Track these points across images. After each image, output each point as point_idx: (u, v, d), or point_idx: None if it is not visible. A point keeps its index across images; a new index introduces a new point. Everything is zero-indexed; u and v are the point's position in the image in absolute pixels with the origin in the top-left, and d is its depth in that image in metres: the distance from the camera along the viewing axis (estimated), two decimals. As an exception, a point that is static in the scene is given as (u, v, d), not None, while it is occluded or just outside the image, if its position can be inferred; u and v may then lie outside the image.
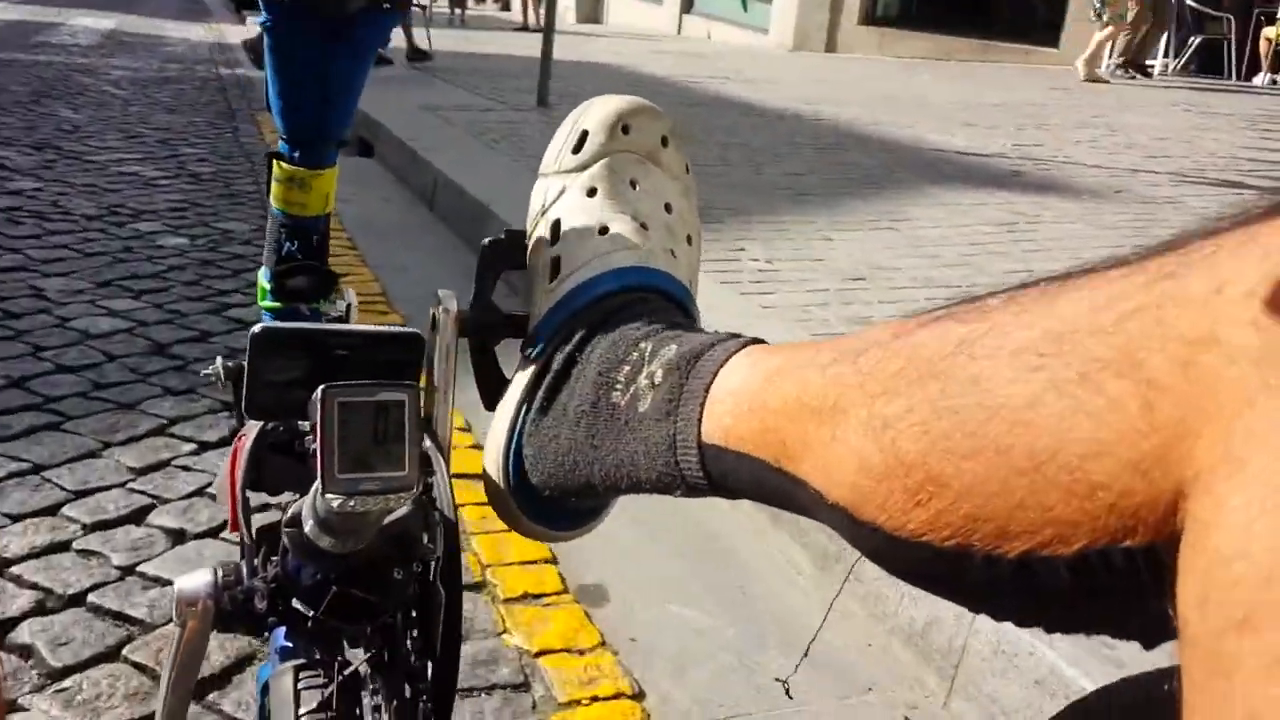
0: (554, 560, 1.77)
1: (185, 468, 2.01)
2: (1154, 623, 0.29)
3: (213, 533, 1.78)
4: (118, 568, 1.69)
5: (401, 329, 0.57)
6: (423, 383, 0.60)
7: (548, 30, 6.11)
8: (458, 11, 17.66)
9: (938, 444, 0.33)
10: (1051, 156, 5.34)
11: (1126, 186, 4.62)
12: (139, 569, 1.68)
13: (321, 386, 0.49)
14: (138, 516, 1.82)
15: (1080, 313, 0.31)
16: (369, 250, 3.57)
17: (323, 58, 0.71)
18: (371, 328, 0.58)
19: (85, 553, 1.71)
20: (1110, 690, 0.37)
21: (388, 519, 0.51)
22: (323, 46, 0.70)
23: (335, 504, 0.48)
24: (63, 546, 1.73)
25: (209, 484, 1.93)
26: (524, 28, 14.50)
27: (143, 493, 1.91)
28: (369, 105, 5.78)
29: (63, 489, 1.89)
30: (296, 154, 0.76)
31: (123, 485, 1.94)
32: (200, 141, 5.21)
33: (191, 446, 2.08)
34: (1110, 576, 0.30)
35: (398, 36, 8.11)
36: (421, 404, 0.54)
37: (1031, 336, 0.32)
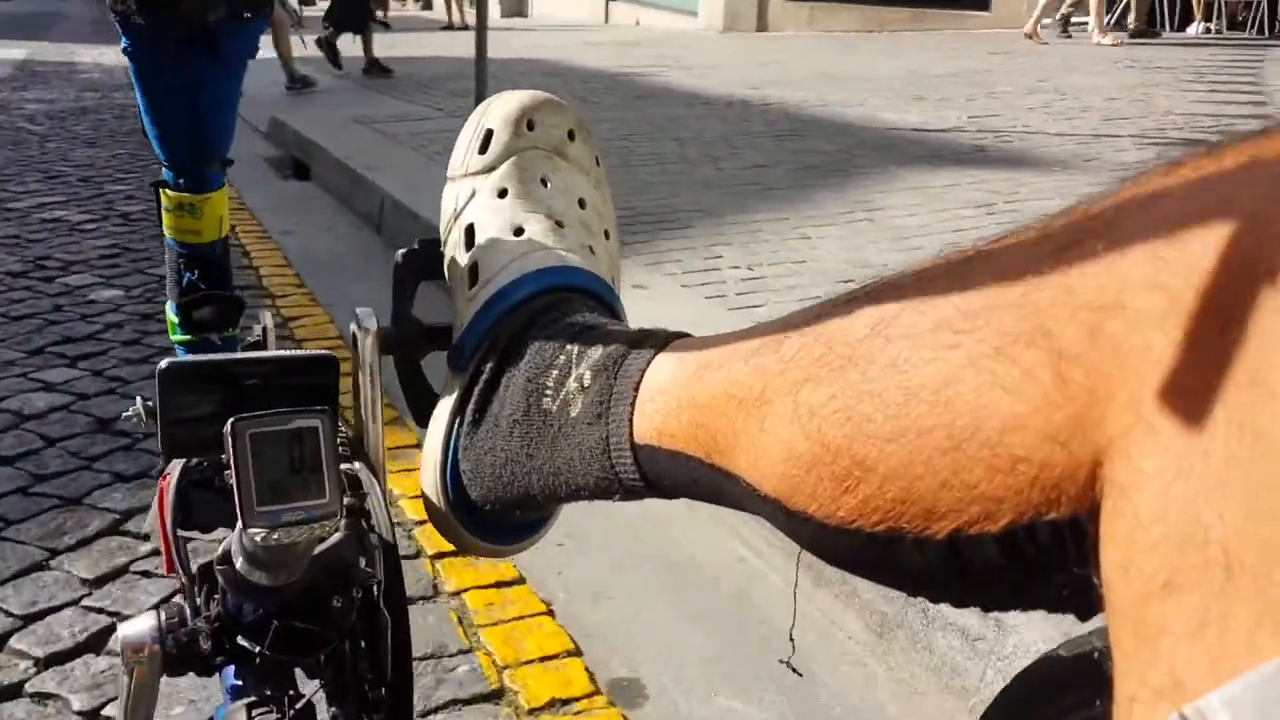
0: (578, 652, 1.57)
1: (145, 573, 1.78)
2: (1086, 594, 0.28)
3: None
4: (79, 714, 1.44)
5: (313, 352, 0.56)
6: (348, 404, 0.59)
7: (480, 29, 5.85)
8: (379, 14, 17.26)
9: (861, 429, 0.33)
10: (1010, 127, 5.22)
11: (1094, 154, 4.50)
12: (104, 714, 1.44)
13: (231, 420, 0.48)
14: (96, 643, 1.61)
15: (991, 286, 0.31)
16: (318, 286, 3.33)
17: (188, 75, 0.69)
18: (281, 353, 0.57)
19: (40, 696, 1.47)
20: (1055, 657, 0.38)
21: (319, 548, 0.50)
22: (187, 64, 0.68)
23: (258, 538, 0.47)
24: (13, 691, 1.48)
25: (175, 592, 1.69)
26: (449, 26, 14.19)
27: (100, 610, 1.68)
28: (300, 123, 5.51)
29: (8, 613, 1.65)
30: (181, 180, 0.74)
31: (76, 603, 1.70)
32: (125, 177, 4.95)
33: (149, 546, 1.84)
34: (1039, 550, 0.30)
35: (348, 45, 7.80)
36: (343, 427, 0.56)
37: (945, 314, 0.32)
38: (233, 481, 0.48)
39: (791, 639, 1.50)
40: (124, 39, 0.68)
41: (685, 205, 3.64)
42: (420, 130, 5.34)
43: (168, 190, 0.76)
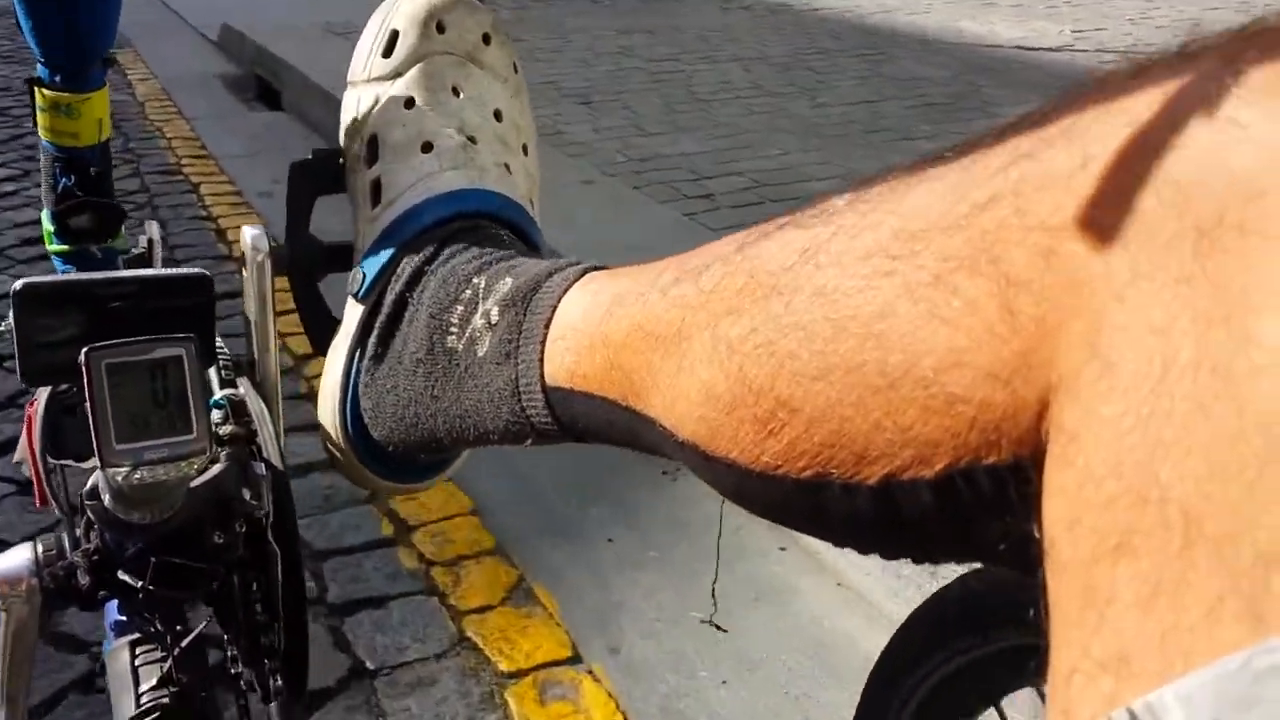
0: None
1: None
2: (1026, 547, 0.25)
3: None
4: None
5: (184, 270, 0.52)
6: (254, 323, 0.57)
7: None
8: None
9: (785, 366, 0.30)
10: (1128, 46, 4.27)
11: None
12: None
13: (85, 350, 0.45)
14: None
15: (932, 206, 0.28)
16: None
17: None
18: (149, 272, 0.53)
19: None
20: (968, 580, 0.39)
21: (198, 480, 0.48)
22: None
23: (119, 478, 0.45)
24: None
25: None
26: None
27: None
28: (262, 35, 4.36)
29: None
30: (57, 77, 0.67)
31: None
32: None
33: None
34: (976, 498, 0.27)
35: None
36: (227, 353, 0.55)
37: (879, 238, 0.29)
38: (90, 416, 0.44)
39: (714, 594, 1.41)
40: None
41: (811, 165, 2.69)
42: None
43: (43, 88, 0.67)
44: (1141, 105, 0.24)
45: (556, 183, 2.60)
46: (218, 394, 0.55)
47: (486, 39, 0.55)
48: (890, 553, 0.32)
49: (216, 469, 0.49)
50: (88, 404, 0.44)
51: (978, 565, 0.57)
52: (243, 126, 3.61)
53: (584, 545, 1.52)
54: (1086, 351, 0.23)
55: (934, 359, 0.27)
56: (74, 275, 0.55)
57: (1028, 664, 0.56)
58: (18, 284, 0.49)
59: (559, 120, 3.24)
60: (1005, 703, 0.63)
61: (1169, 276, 0.22)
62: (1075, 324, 0.23)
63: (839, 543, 0.34)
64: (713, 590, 1.43)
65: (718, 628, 1.37)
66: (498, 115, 0.54)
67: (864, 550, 0.33)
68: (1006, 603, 0.55)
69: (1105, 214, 0.23)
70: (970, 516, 0.28)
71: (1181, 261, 0.21)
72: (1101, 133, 0.24)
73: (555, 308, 0.42)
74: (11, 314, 0.50)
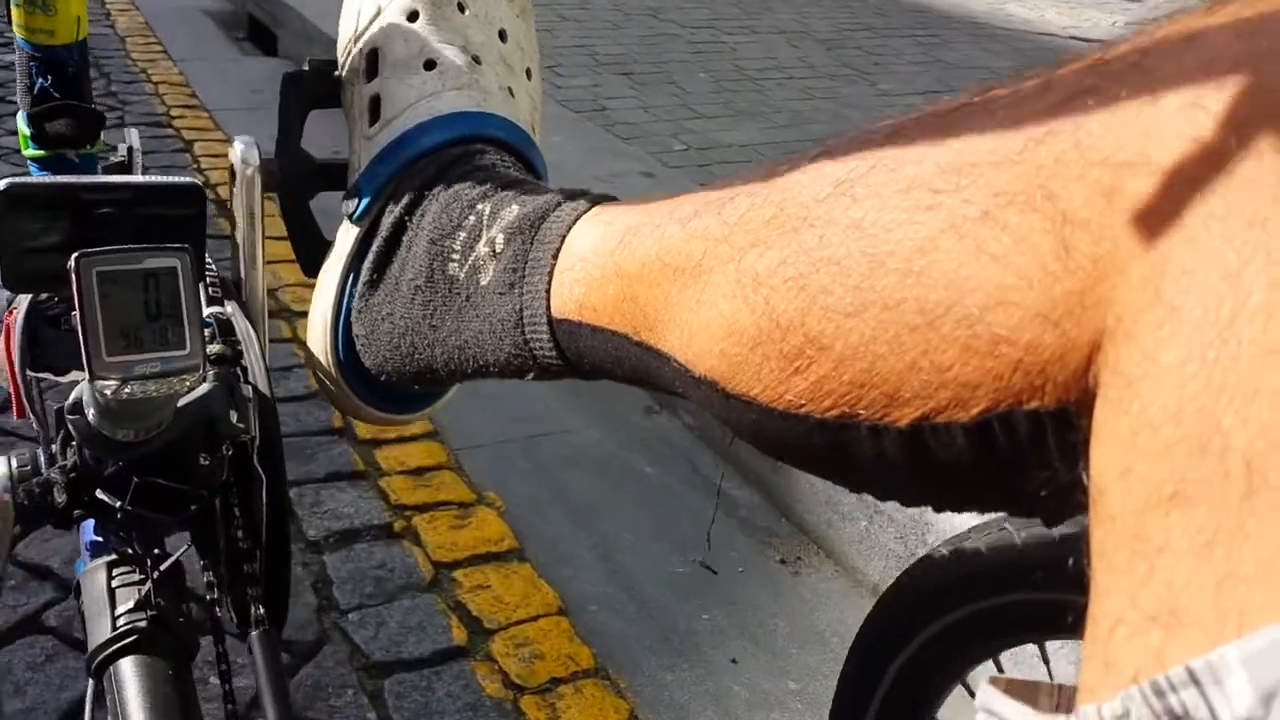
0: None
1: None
2: (1058, 496, 0.26)
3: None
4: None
5: (175, 179, 0.50)
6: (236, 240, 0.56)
7: None
8: None
9: (817, 301, 0.29)
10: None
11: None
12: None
13: (75, 255, 0.43)
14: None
15: (982, 141, 0.26)
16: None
17: None
18: (139, 179, 0.53)
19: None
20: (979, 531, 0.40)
21: (184, 400, 0.46)
22: None
23: (108, 392, 0.43)
24: None
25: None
26: None
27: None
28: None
29: None
30: None
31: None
32: None
33: None
34: (1013, 444, 0.26)
35: None
36: (213, 270, 0.54)
37: (923, 171, 0.27)
38: (79, 325, 0.43)
39: (709, 538, 1.38)
40: None
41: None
42: None
43: None
44: (1216, 43, 0.23)
45: (611, 173, 2.28)
46: (205, 312, 0.53)
47: None
48: (912, 499, 0.31)
49: (204, 389, 0.48)
50: (76, 313, 0.43)
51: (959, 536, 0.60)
52: (237, 74, 3.24)
53: (704, 667, 1.25)
54: (1149, 294, 0.22)
55: (979, 297, 0.25)
56: (62, 178, 0.53)
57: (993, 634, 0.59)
58: (1, 184, 0.47)
59: (600, 93, 2.96)
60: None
61: (1243, 219, 0.20)
62: (1137, 266, 0.22)
63: (857, 487, 0.33)
64: (708, 535, 1.36)
65: (710, 569, 1.36)
66: (503, 36, 0.52)
67: (883, 496, 0.32)
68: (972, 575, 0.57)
69: (1175, 151, 0.22)
70: (1006, 463, 0.27)
71: (1259, 204, 0.20)
72: (1173, 69, 0.23)
73: (564, 237, 0.41)
74: None
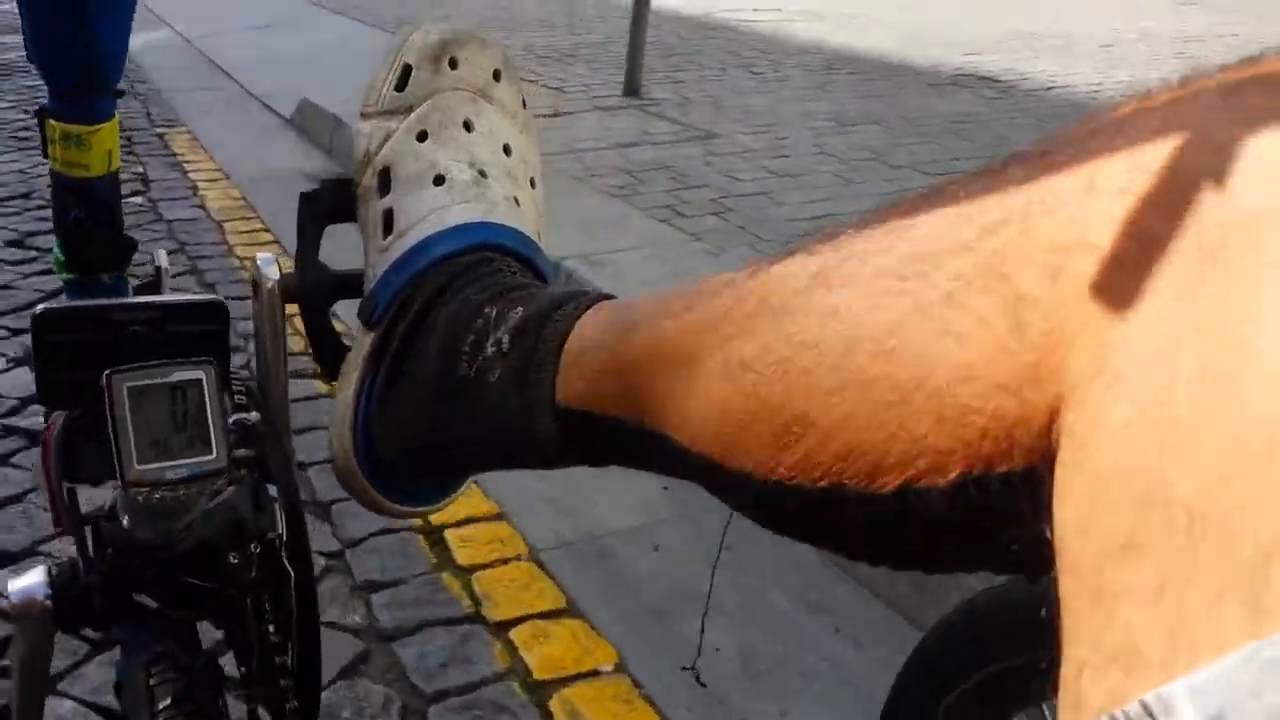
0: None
1: None
2: (1036, 552, 0.27)
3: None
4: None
5: (200, 296, 0.56)
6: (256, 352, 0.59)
7: None
8: None
9: (799, 382, 0.32)
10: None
11: None
12: None
13: (107, 372, 0.48)
14: None
15: (942, 230, 0.29)
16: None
17: None
18: (165, 298, 0.57)
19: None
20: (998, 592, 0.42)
21: (210, 503, 0.50)
22: None
23: (139, 498, 0.47)
24: None
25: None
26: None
27: None
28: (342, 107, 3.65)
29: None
30: (68, 108, 0.68)
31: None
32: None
33: None
34: (989, 504, 0.29)
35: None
36: (239, 379, 0.57)
37: (890, 261, 0.30)
38: (111, 437, 0.47)
39: (702, 631, 1.36)
40: None
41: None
42: (548, 130, 3.56)
43: (53, 120, 0.69)
44: (1146, 133, 0.26)
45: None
46: (230, 419, 0.55)
47: (497, 75, 0.56)
48: (900, 562, 0.33)
49: (230, 491, 0.50)
50: (109, 425, 0.46)
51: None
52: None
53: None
54: (1095, 363, 0.24)
55: (946, 373, 0.28)
56: (92, 301, 0.56)
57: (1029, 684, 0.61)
58: (37, 308, 0.51)
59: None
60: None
61: (1173, 293, 0.23)
62: (1083, 338, 0.25)
63: (852, 555, 0.35)
64: (701, 627, 1.35)
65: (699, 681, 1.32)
66: (506, 150, 0.56)
67: (876, 561, 0.34)
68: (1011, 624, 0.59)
69: (1110, 235, 0.25)
70: (983, 522, 0.29)
71: (1186, 279, 0.23)
72: (1107, 159, 0.26)
73: (567, 334, 0.43)
74: (30, 338, 0.51)
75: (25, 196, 3.20)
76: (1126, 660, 0.21)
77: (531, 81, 4.55)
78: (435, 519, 1.64)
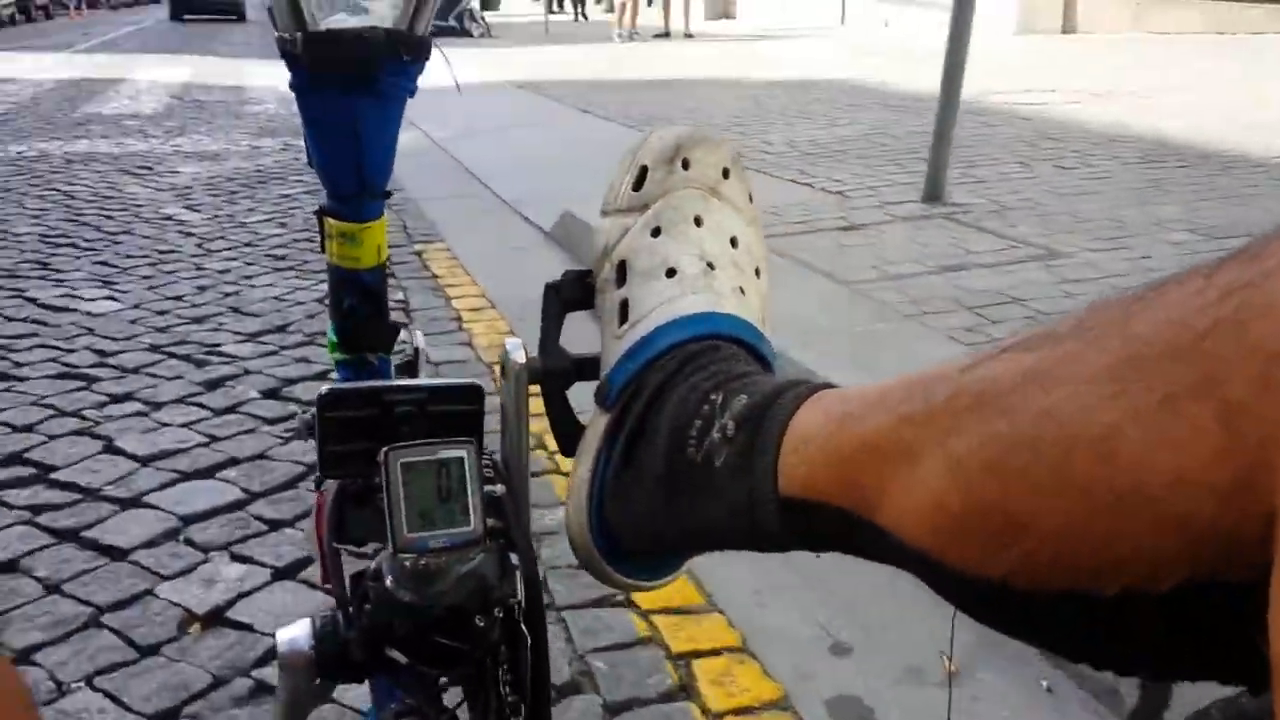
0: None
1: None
2: (1257, 665, 0.26)
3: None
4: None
5: (460, 381, 0.61)
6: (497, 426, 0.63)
7: (953, 66, 3.46)
8: (582, 18, 15.56)
9: (1016, 482, 0.32)
10: None
11: None
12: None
13: (384, 449, 0.53)
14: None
15: (1156, 333, 0.29)
16: None
17: (351, 111, 0.72)
18: (431, 381, 0.62)
19: None
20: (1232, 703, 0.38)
21: (464, 569, 0.53)
22: (349, 101, 0.71)
23: (407, 564, 0.52)
24: None
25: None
26: (665, 34, 12.07)
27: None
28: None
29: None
30: (343, 209, 0.76)
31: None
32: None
33: None
34: (1209, 614, 0.28)
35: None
36: (487, 454, 0.61)
37: (1106, 363, 0.30)
38: (385, 507, 0.52)
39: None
40: (290, 73, 0.71)
41: None
42: (842, 246, 3.14)
43: (330, 219, 0.76)
44: None
45: None
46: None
47: (726, 173, 0.59)
48: (1122, 668, 0.33)
49: (480, 558, 0.53)
50: (384, 496, 0.52)
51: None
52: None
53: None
54: None
55: (1162, 478, 0.28)
56: (370, 384, 0.64)
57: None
58: (323, 389, 0.58)
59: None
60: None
61: None
62: None
63: (1074, 657, 0.34)
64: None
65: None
66: (734, 242, 0.58)
67: (1098, 665, 0.33)
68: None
69: None
70: (1203, 631, 0.29)
71: None
72: None
73: (788, 423, 0.44)
74: (315, 416, 0.58)
75: (281, 330, 2.93)
76: None
77: (806, 184, 4.07)
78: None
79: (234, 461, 2.11)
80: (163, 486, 2.02)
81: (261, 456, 2.13)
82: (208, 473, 2.07)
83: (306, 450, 2.13)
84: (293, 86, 0.72)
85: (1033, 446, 0.31)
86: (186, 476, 2.05)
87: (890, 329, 2.45)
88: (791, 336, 2.31)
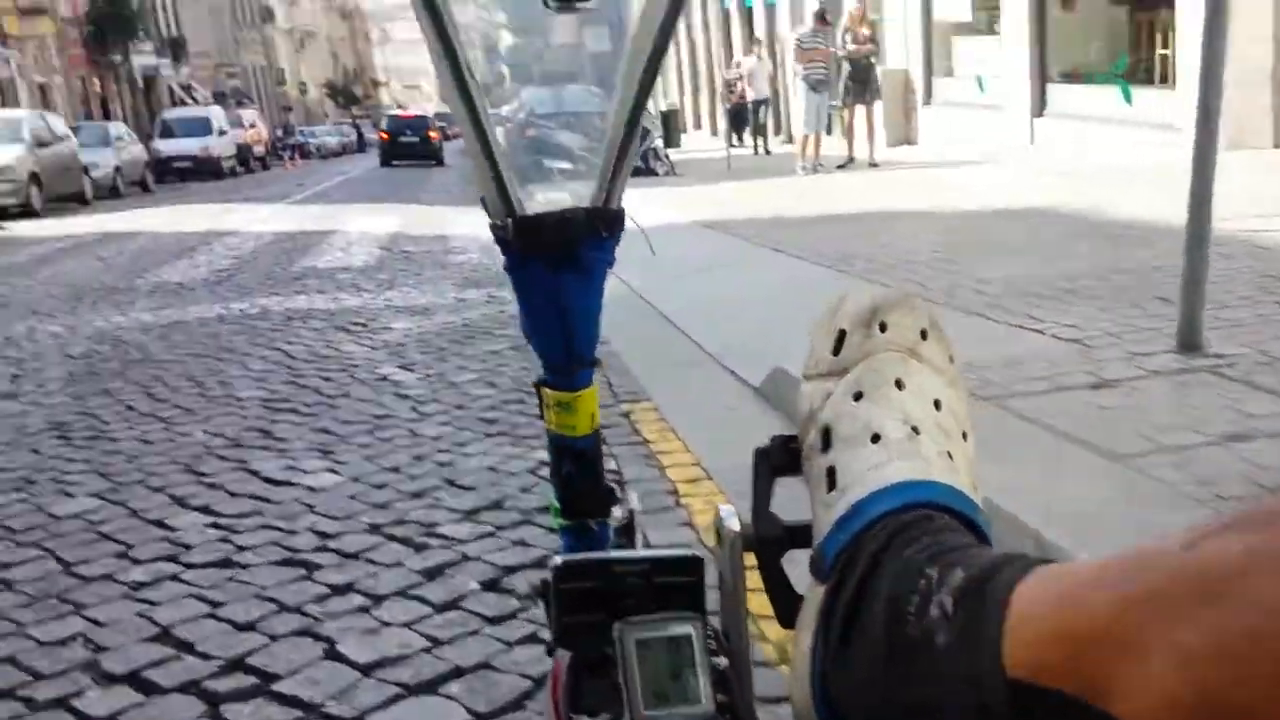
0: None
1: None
2: None
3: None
4: None
5: (681, 553, 0.62)
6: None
7: (1200, 196, 3.18)
8: (762, 151, 15.74)
9: (1246, 674, 0.31)
10: None
11: None
12: None
13: (618, 624, 0.56)
14: None
15: None
16: None
17: (557, 288, 0.77)
18: (655, 553, 0.63)
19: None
20: None
21: None
22: (555, 278, 0.77)
23: None
24: None
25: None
26: (849, 162, 11.99)
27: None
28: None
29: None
30: (557, 379, 0.81)
31: None
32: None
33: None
34: None
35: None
36: (710, 627, 0.61)
37: None
38: (621, 682, 0.54)
39: None
40: (503, 256, 0.78)
41: None
42: (1088, 406, 2.85)
43: (546, 389, 0.81)
44: None
45: None
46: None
47: (924, 334, 0.59)
48: None
49: None
50: (620, 672, 0.54)
51: None
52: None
53: None
54: None
55: None
56: (599, 555, 0.67)
57: None
58: (556, 560, 0.61)
59: None
60: None
61: None
62: None
63: None
64: None
65: None
66: (937, 405, 0.57)
67: None
68: None
69: None
70: None
71: None
72: None
73: (1008, 601, 0.43)
74: (552, 586, 0.60)
75: (497, 506, 2.82)
76: None
77: (1036, 330, 3.79)
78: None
79: (458, 673, 1.96)
80: (385, 704, 1.88)
81: (486, 666, 1.98)
82: (429, 686, 1.93)
83: (531, 660, 1.99)
84: (506, 268, 0.78)
85: (1260, 638, 0.31)
86: (410, 690, 1.92)
87: (1184, 521, 2.13)
88: (1063, 526, 2.04)
